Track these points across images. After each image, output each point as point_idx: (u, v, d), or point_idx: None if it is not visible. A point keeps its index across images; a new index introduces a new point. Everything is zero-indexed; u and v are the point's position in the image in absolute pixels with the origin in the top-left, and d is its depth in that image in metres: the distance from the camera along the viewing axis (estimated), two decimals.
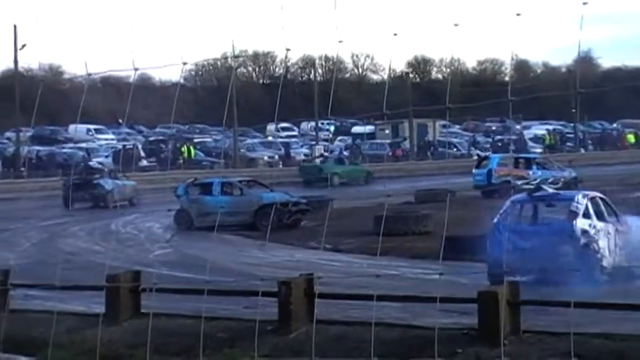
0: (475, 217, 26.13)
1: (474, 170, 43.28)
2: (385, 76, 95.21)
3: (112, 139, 67.63)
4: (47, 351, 9.32)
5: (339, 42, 6.04)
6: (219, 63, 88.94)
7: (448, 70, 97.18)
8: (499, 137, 70.86)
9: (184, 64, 6.59)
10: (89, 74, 7.70)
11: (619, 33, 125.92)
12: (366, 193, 40.24)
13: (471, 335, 10.70)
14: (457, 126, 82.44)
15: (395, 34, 5.83)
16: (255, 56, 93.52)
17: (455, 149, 67.72)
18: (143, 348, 9.83)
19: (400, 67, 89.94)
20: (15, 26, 55.08)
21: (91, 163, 45.25)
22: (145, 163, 54.54)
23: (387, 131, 74.17)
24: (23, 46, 55.12)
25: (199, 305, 11.21)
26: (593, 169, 51.29)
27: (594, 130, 79.87)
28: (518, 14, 5.43)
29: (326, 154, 60.50)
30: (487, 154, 52.41)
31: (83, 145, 61.95)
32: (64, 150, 58.54)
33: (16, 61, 55.73)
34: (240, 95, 65.77)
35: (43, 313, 12.45)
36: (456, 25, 5.56)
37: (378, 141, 70.38)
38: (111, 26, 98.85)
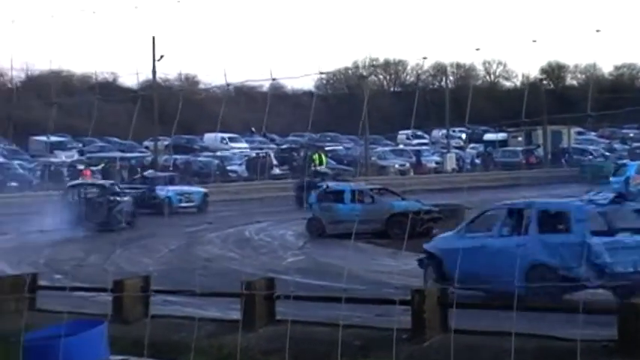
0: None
1: (611, 178, 42.41)
2: (518, 83, 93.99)
3: (246, 148, 68.72)
4: (189, 356, 9.53)
5: (476, 49, 6.03)
6: (350, 71, 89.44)
7: (583, 75, 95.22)
8: (637, 144, 69.01)
9: (321, 73, 6.69)
10: (228, 84, 7.86)
11: None
12: (498, 201, 39.66)
13: (611, 347, 10.46)
14: (593, 133, 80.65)
15: (534, 41, 5.79)
16: (387, 64, 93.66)
17: (591, 156, 66.26)
18: (279, 354, 9.96)
19: (533, 73, 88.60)
20: (153, 38, 56.70)
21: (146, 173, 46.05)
22: (277, 171, 55.22)
23: (519, 138, 73.15)
24: (161, 57, 56.67)
25: (332, 312, 11.30)
26: None
27: None
28: None
29: (607, 153, 63.12)
30: (625, 161, 51.20)
31: (218, 153, 63.18)
32: (200, 158, 59.82)
33: (154, 72, 57.32)
34: (371, 103, 65.93)
35: (182, 318, 12.74)
36: (598, 31, 5.48)
37: (511, 148, 69.47)
38: (246, 37, 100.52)
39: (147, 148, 65.15)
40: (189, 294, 12.80)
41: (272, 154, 59.75)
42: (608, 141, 75.15)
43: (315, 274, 20.28)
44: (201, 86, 76.28)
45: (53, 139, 62.78)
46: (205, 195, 41.32)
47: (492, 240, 17.82)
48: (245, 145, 70.89)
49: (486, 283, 16.15)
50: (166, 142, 59.74)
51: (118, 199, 34.40)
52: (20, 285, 14.02)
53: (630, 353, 10.17)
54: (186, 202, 40.19)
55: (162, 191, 39.55)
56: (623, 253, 16.64)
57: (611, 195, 18.31)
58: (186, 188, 42.14)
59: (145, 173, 45.72)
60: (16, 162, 56.19)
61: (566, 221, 17.26)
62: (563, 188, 48.99)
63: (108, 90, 67.42)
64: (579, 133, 76.99)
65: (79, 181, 40.79)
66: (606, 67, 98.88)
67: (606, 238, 16.83)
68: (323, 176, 41.06)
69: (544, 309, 11.82)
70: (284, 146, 67.73)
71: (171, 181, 42.27)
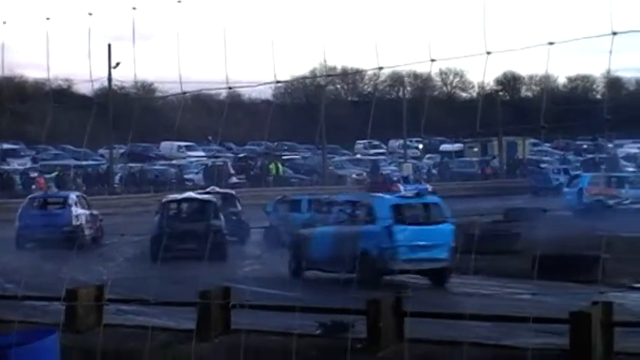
0: (564, 236, 25.82)
1: (564, 189, 42.78)
2: (474, 94, 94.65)
3: (202, 156, 68.54)
4: None
5: (432, 60, 6.05)
6: (307, 80, 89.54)
7: (538, 87, 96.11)
8: (590, 156, 69.77)
9: (278, 82, 6.67)
10: (184, 92, 7.82)
11: None
12: (454, 212, 39.91)
13: (563, 356, 10.54)
14: (547, 144, 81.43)
15: (489, 53, 5.82)
16: (344, 74, 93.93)
17: (544, 167, 66.86)
18: None
19: (490, 84, 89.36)
20: (109, 45, 56.33)
21: None
22: (234, 179, 55.13)
23: (475, 149, 73.68)
24: (117, 64, 56.32)
25: (290, 322, 11.27)
26: None
27: None
28: (614, 33, 5.36)
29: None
30: (578, 172, 51.69)
31: (174, 162, 62.92)
32: (156, 167, 59.55)
33: (110, 80, 56.92)
34: (329, 113, 66.07)
35: (136, 328, 12.64)
36: (551, 43, 5.53)
37: (467, 159, 69.93)
38: (203, 45, 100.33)
39: (102, 156, 64.72)
40: (143, 303, 12.69)
41: (229, 163, 59.63)
42: (562, 152, 75.91)
43: (272, 283, 20.22)
44: (158, 94, 75.96)
45: (6, 146, 62.05)
46: None
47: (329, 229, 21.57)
48: (202, 153, 70.71)
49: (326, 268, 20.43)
50: (122, 150, 59.39)
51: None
52: None
53: None
54: None
55: None
56: (420, 241, 20.27)
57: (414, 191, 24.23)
58: None
59: None
60: None
61: (371, 213, 21.03)
62: (518, 199, 49.49)
63: (62, 97, 66.81)
64: (534, 145, 77.72)
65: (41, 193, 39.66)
66: (560, 79, 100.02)
67: (404, 227, 20.45)
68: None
69: (496, 318, 11.88)
70: (241, 155, 67.68)
71: None
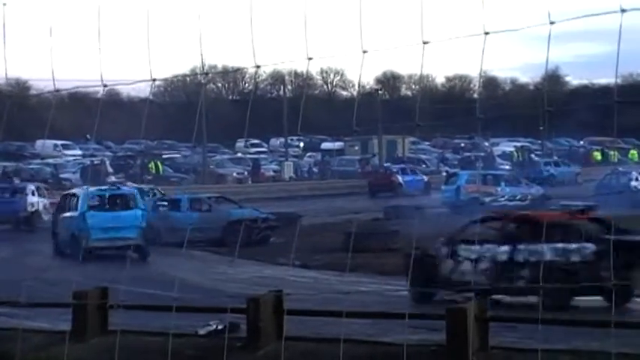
0: (442, 233, 26.26)
1: (442, 187, 43.51)
2: (355, 93, 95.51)
3: (80, 155, 67.28)
4: None
5: (309, 59, 6.03)
6: (188, 79, 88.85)
7: (417, 86, 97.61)
8: (467, 154, 71.14)
9: (154, 80, 6.54)
10: (57, 90, 7.62)
11: (586, 51, 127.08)
12: (334, 210, 40.24)
13: (440, 352, 10.70)
14: (426, 142, 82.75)
15: (365, 52, 5.83)
16: (225, 72, 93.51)
17: (424, 166, 67.94)
18: None
19: (370, 83, 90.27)
20: None
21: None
22: (112, 179, 54.22)
23: (356, 147, 74.32)
24: None
25: (168, 322, 11.13)
26: (560, 186, 51.69)
27: (561, 147, 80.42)
28: (486, 33, 5.44)
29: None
30: (455, 170, 52.66)
31: (51, 160, 61.56)
32: (31, 166, 58.18)
33: None
34: (210, 111, 65.65)
35: (8, 330, 12.31)
36: (425, 42, 5.57)
37: (347, 157, 70.48)
38: (79, 41, 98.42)
39: None
40: (14, 305, 12.36)
41: (107, 162, 58.66)
42: (441, 150, 77.22)
43: (150, 283, 19.98)
44: (33, 91, 74.22)
45: None
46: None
47: None
48: (79, 152, 69.41)
49: None
50: None
51: None
52: None
53: (458, 356, 10.41)
54: None
55: None
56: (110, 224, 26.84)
57: None
58: None
59: None
60: None
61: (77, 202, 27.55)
62: (397, 196, 50.10)
63: None
64: (414, 143, 78.86)
65: None
66: (439, 79, 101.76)
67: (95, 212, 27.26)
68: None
69: (373, 315, 11.99)
70: (120, 154, 66.69)
71: None
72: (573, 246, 16.10)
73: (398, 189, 51.05)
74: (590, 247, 15.99)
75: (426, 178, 54.66)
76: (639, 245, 15.87)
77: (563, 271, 15.51)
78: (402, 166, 58.70)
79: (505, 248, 16.67)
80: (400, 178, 52.78)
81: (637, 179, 44.56)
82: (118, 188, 30.31)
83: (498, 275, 16.41)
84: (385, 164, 62.13)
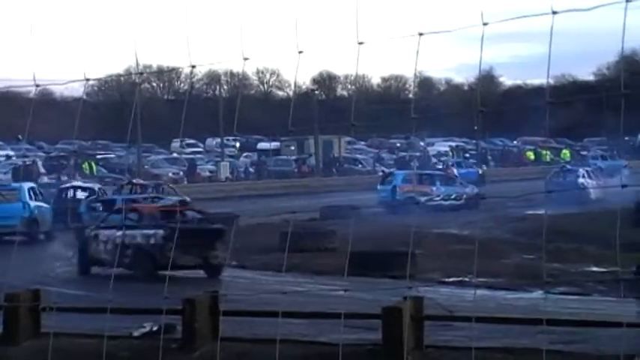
0: (378, 233, 26.41)
1: (378, 186, 43.70)
2: (291, 93, 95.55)
3: (11, 155, 66.30)
4: None
5: (245, 59, 6.01)
6: (122, 78, 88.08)
7: (353, 87, 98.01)
8: (403, 154, 71.62)
9: (87, 80, 6.47)
10: None
11: (520, 52, 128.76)
12: (271, 210, 40.17)
13: (375, 351, 10.74)
14: (362, 142, 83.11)
15: (300, 52, 5.82)
16: (160, 72, 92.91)
17: (360, 165, 68.21)
18: None
19: (306, 83, 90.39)
20: None
21: None
22: (45, 179, 53.51)
23: (292, 147, 74.35)
24: None
25: (103, 324, 11.01)
26: (494, 185, 52.24)
27: (495, 147, 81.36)
28: (420, 34, 5.47)
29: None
30: (391, 170, 52.94)
31: None
32: None
33: None
34: (145, 111, 65.16)
35: None
36: (360, 43, 5.58)
37: (284, 157, 70.48)
38: (11, 40, 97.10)
39: None
40: None
41: (39, 162, 57.85)
42: (377, 150, 77.60)
43: (83, 285, 19.79)
44: None
45: None
46: None
47: None
48: (10, 152, 68.41)
49: None
50: None
51: None
52: None
53: (393, 355, 10.47)
54: None
55: None
56: None
57: None
58: None
59: None
60: None
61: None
62: (335, 196, 50.25)
63: None
64: (350, 143, 79.16)
65: None
66: (375, 79, 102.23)
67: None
68: None
69: (309, 315, 12.00)
70: (53, 154, 65.84)
71: None
72: (151, 232, 21.51)
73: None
74: (160, 232, 21.32)
75: (480, 170, 60.15)
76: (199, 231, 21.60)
77: (146, 250, 21.21)
78: (459, 159, 65.50)
79: (119, 233, 21.90)
80: (455, 171, 56.97)
81: (584, 176, 45.26)
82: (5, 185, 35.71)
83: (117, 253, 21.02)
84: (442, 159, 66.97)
